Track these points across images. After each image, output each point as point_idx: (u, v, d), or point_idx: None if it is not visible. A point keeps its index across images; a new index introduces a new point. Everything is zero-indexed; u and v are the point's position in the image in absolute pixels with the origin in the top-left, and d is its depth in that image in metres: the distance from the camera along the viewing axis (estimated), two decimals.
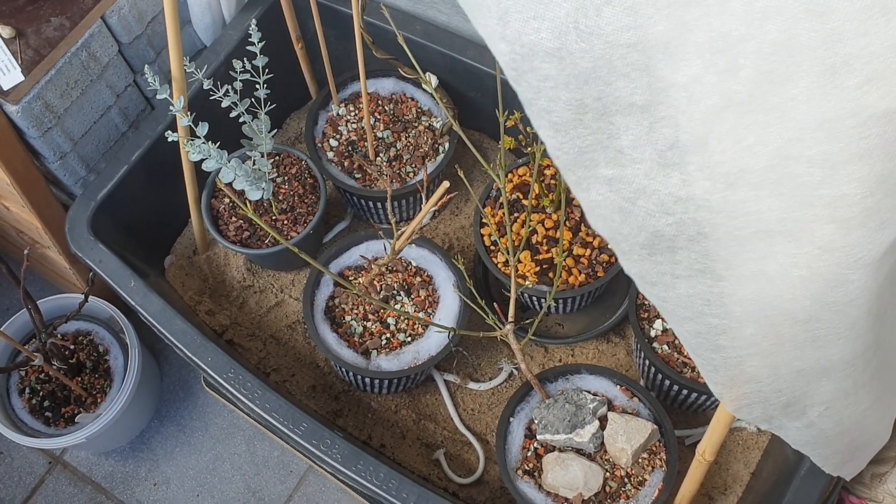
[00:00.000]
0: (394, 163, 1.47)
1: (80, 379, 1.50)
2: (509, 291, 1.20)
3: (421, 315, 1.34)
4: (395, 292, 1.36)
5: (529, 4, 0.62)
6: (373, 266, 1.31)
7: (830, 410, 0.84)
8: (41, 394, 1.49)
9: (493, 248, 1.35)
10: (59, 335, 1.45)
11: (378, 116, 1.50)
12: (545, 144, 0.69)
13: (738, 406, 0.85)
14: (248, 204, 1.41)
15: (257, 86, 1.25)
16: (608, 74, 0.64)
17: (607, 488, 1.21)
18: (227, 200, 1.42)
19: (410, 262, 1.39)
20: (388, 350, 1.32)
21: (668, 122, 0.65)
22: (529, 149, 1.27)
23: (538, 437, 1.24)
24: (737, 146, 0.63)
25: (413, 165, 1.47)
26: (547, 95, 0.66)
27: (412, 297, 1.36)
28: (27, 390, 1.49)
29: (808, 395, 0.81)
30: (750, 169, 0.64)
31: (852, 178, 0.62)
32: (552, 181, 1.38)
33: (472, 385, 1.42)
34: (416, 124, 1.50)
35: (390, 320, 1.34)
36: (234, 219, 1.42)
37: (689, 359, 1.28)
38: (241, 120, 1.28)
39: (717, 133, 0.63)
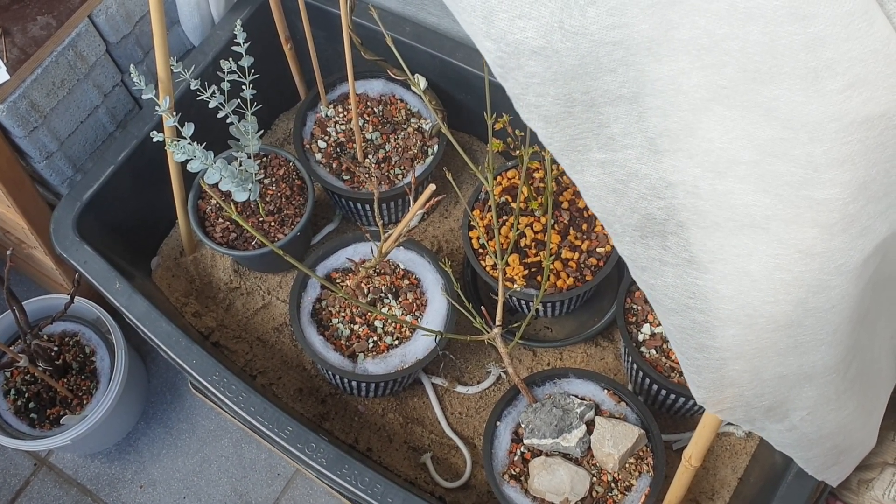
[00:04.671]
0: (382, 165, 1.47)
1: (65, 380, 1.49)
2: (497, 294, 1.20)
3: (408, 318, 1.33)
4: (382, 295, 1.35)
5: (514, 3, 0.62)
6: (360, 269, 1.30)
7: (813, 415, 0.84)
8: (26, 395, 1.48)
9: (481, 251, 1.35)
10: (44, 336, 1.44)
11: (367, 118, 1.49)
12: (536, 134, 0.70)
13: (720, 409, 0.85)
14: (232, 205, 1.40)
15: (244, 86, 1.24)
16: (595, 70, 0.64)
17: (594, 493, 1.20)
18: (213, 202, 1.42)
19: (398, 265, 1.38)
20: (374, 353, 1.31)
21: (656, 111, 0.65)
22: (518, 151, 1.26)
23: (525, 441, 1.23)
24: (724, 137, 0.64)
25: (402, 167, 1.46)
26: (535, 91, 0.66)
27: (400, 300, 1.35)
28: (12, 392, 1.48)
29: (790, 400, 0.81)
30: (737, 161, 0.65)
31: (835, 183, 0.62)
32: (541, 184, 1.37)
33: (459, 388, 1.41)
34: (405, 126, 1.50)
35: (377, 323, 1.33)
36: (220, 220, 1.41)
37: (678, 363, 1.27)
38: (228, 121, 1.27)
39: (706, 123, 0.64)
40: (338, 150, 1.48)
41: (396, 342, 1.32)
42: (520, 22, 0.62)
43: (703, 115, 0.63)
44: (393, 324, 1.33)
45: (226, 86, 1.23)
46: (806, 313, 0.70)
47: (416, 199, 1.11)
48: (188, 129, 1.20)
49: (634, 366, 1.29)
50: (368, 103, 1.51)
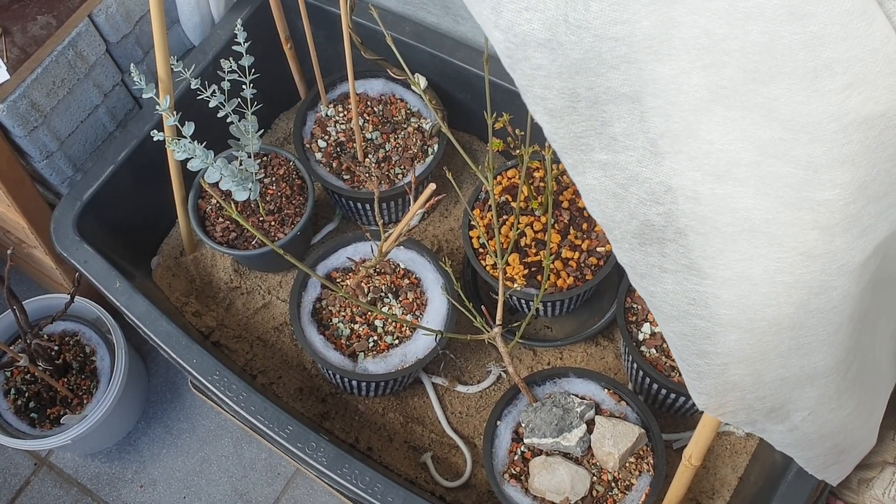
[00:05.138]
0: (382, 164, 1.47)
1: (66, 380, 1.49)
2: (497, 294, 1.20)
3: (408, 317, 1.33)
4: (382, 294, 1.35)
5: None
6: (360, 268, 1.30)
7: (814, 415, 0.83)
8: (27, 395, 1.48)
9: (481, 250, 1.35)
10: (44, 336, 1.44)
11: (367, 117, 1.49)
12: (542, 129, 0.70)
13: (721, 413, 0.85)
14: (233, 205, 1.40)
15: (244, 86, 1.24)
16: (598, 66, 0.65)
17: (594, 492, 1.20)
18: (214, 201, 1.42)
19: (399, 265, 1.38)
20: (375, 353, 1.31)
21: (658, 111, 0.65)
22: (518, 151, 1.26)
23: (525, 440, 1.23)
24: (725, 138, 0.64)
25: (402, 167, 1.46)
26: (541, 83, 0.67)
27: (400, 299, 1.35)
28: (12, 391, 1.48)
29: (791, 401, 0.81)
30: (738, 162, 0.64)
31: (835, 184, 0.62)
32: (541, 184, 1.37)
33: (459, 388, 1.41)
34: (406, 126, 1.50)
35: (378, 323, 1.34)
36: (220, 220, 1.41)
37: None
38: (228, 120, 1.27)
39: (707, 124, 0.64)
40: (338, 149, 1.48)
41: (397, 341, 1.32)
42: (526, 14, 0.63)
43: (703, 116, 0.63)
44: (393, 323, 1.33)
45: (226, 85, 1.23)
46: (808, 315, 0.70)
47: (416, 199, 1.11)
48: (188, 129, 1.20)
49: (635, 365, 1.29)
50: (368, 103, 1.51)
